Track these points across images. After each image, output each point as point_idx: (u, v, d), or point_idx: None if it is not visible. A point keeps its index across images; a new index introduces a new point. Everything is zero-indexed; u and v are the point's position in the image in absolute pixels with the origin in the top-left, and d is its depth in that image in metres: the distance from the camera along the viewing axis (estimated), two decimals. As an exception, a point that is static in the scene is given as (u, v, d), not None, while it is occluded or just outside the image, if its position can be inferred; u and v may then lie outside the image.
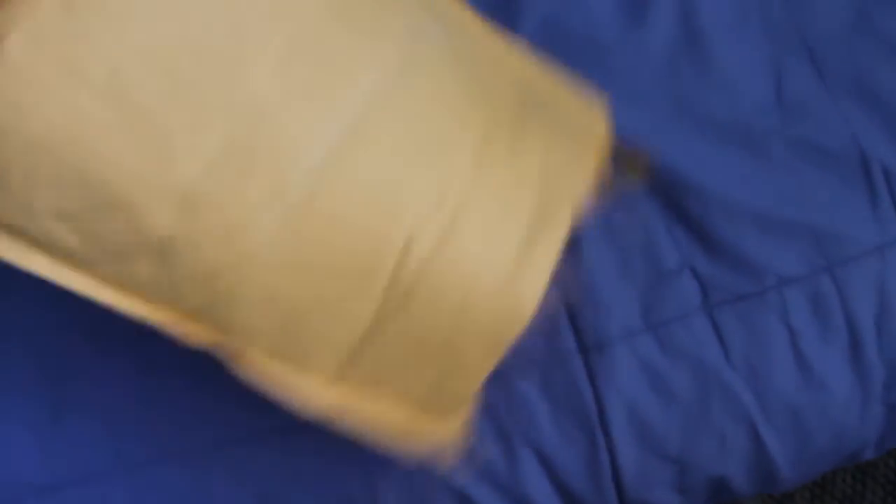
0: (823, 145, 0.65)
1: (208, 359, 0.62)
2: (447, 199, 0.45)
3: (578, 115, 0.53)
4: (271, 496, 0.61)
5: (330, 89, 0.44)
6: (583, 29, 0.65)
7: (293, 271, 0.45)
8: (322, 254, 0.45)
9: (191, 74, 0.41)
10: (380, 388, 0.50)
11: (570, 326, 0.62)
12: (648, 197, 0.63)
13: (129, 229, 0.43)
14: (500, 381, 0.61)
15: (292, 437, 0.62)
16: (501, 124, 0.48)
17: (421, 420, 0.51)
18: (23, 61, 0.39)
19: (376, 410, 0.50)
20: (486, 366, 0.50)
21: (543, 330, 0.62)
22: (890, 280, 0.63)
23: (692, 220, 0.63)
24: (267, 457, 0.62)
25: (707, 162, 0.63)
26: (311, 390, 0.49)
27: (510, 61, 0.52)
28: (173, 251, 0.44)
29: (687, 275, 0.62)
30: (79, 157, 0.41)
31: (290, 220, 0.44)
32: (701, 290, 0.62)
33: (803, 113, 0.65)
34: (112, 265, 0.45)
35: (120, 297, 0.47)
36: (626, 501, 0.62)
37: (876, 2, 0.68)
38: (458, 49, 0.49)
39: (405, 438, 0.51)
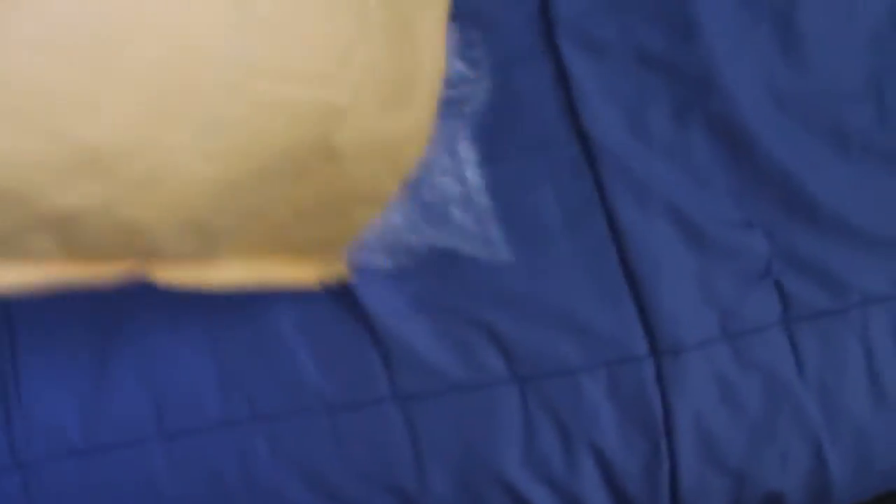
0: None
1: (257, 334, 0.60)
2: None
3: None
4: (316, 475, 0.60)
5: None
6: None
7: (213, 185, 0.43)
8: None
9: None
10: (278, 251, 0.51)
11: (643, 330, 0.59)
12: (739, 198, 0.60)
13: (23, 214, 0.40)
14: (566, 380, 0.59)
15: (342, 418, 0.60)
16: None
17: (313, 268, 0.54)
18: None
19: (278, 271, 0.52)
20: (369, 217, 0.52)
21: (614, 332, 0.59)
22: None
23: (780, 228, 0.60)
24: (314, 435, 0.60)
25: (812, 167, 0.60)
26: (220, 276, 0.49)
27: None
28: (82, 219, 0.41)
29: (769, 287, 0.60)
30: None
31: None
32: (782, 303, 0.60)
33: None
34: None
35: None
36: (681, 509, 0.61)
37: None
38: None
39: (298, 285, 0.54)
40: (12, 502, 0.60)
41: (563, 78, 0.62)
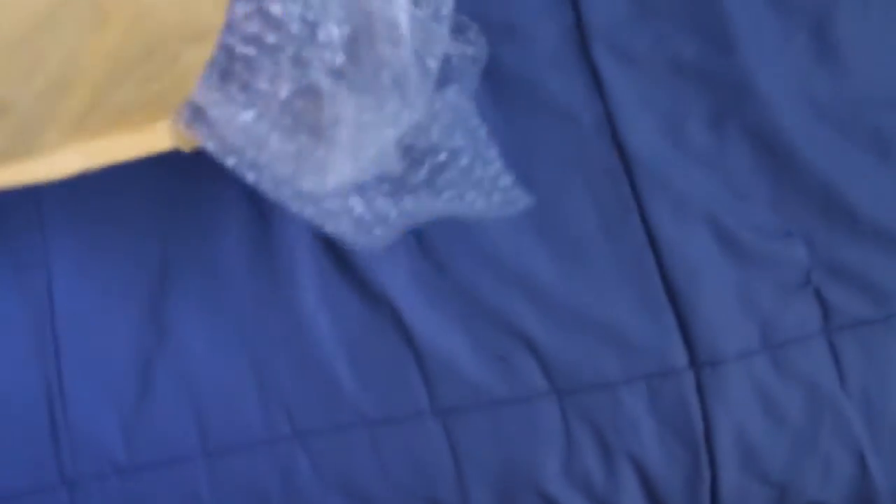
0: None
1: (296, 347, 0.60)
2: None
3: None
4: (357, 490, 0.60)
5: None
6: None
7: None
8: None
9: None
10: (113, 122, 0.47)
11: (682, 341, 0.59)
12: (778, 207, 0.60)
13: None
14: (606, 393, 0.59)
15: (381, 432, 0.60)
16: None
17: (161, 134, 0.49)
18: None
19: (124, 146, 0.48)
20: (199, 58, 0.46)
21: (653, 344, 0.59)
22: None
23: (820, 237, 0.60)
24: (354, 450, 0.60)
25: (851, 175, 0.59)
26: (54, 169, 0.45)
27: None
28: None
29: (809, 295, 0.59)
30: None
31: None
32: (822, 313, 0.59)
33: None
34: None
35: None
36: (721, 521, 0.61)
37: None
38: None
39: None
40: (59, 519, 0.61)
41: (598, 88, 0.62)
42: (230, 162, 0.49)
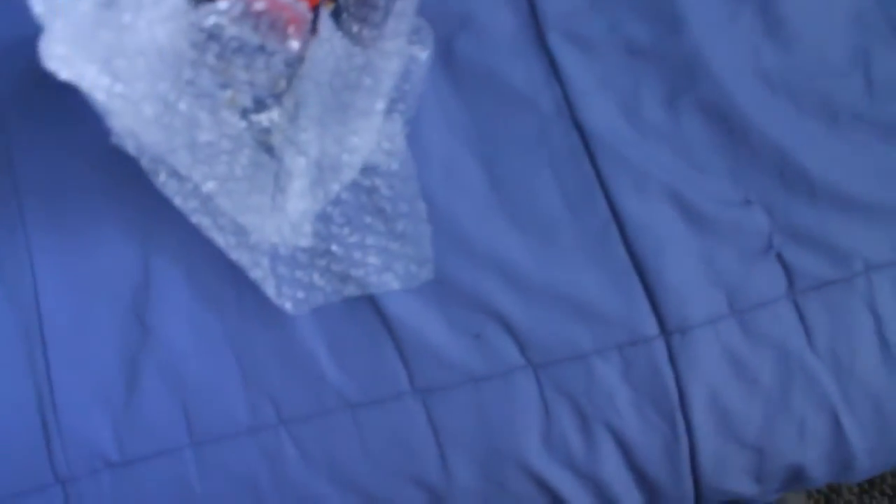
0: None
1: (279, 336, 0.62)
2: None
3: None
4: (344, 474, 0.61)
5: None
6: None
7: None
8: None
9: None
10: None
11: (651, 310, 0.61)
12: (736, 177, 0.62)
13: None
14: (580, 364, 0.61)
15: (364, 415, 0.61)
16: None
17: None
18: None
19: None
20: None
21: (623, 314, 0.61)
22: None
23: (779, 204, 0.62)
24: (338, 434, 0.61)
25: (805, 142, 0.62)
26: None
27: None
28: None
29: (772, 260, 0.61)
30: None
31: None
32: (786, 276, 0.61)
33: (893, 96, 0.64)
34: None
35: None
36: (703, 488, 0.62)
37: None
38: None
39: None
40: (55, 517, 0.62)
41: (556, 72, 0.64)
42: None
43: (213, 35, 0.48)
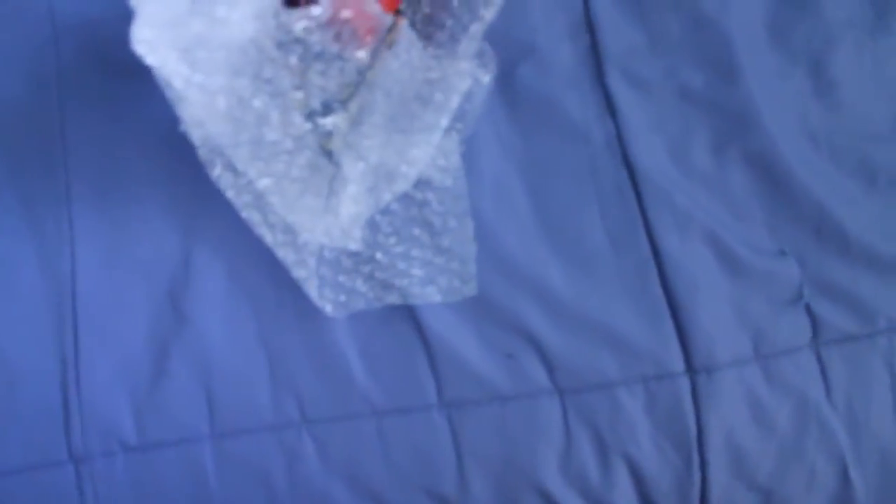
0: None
1: (312, 337, 0.62)
2: None
3: None
4: (361, 479, 0.62)
5: None
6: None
7: None
8: None
9: None
10: None
11: (680, 347, 0.62)
12: (773, 227, 0.64)
13: None
14: (605, 394, 0.62)
15: (389, 423, 0.62)
16: None
17: None
18: None
19: None
20: None
21: (652, 348, 0.62)
22: None
23: (812, 257, 0.64)
24: (360, 439, 0.62)
25: (842, 200, 0.64)
26: None
27: None
28: None
29: (801, 311, 0.63)
30: None
31: None
32: (812, 327, 0.63)
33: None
34: None
35: None
36: (709, 524, 0.63)
37: None
38: None
39: None
40: (64, 496, 0.61)
41: (610, 109, 0.66)
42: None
43: (298, 38, 0.49)
